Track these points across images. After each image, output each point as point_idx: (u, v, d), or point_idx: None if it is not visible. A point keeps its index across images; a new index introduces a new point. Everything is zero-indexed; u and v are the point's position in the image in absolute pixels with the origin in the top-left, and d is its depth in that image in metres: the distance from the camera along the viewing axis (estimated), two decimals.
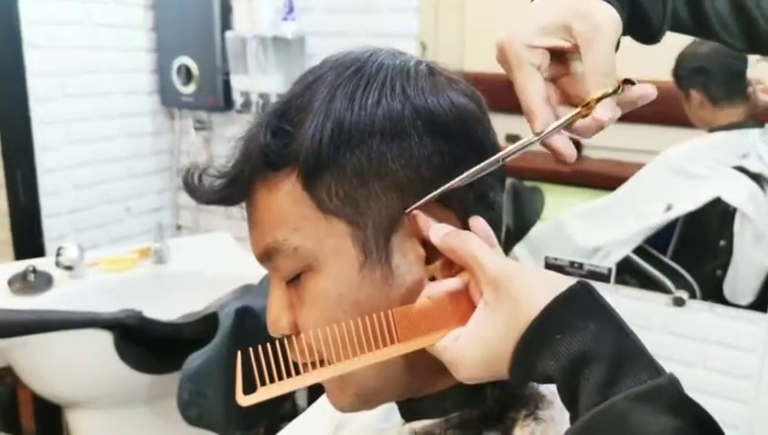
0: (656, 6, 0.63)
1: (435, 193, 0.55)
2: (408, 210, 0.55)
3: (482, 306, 0.51)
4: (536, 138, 0.53)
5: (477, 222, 0.57)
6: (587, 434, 0.44)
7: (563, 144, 0.54)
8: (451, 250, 0.54)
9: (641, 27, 0.63)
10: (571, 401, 0.47)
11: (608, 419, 0.43)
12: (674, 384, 0.44)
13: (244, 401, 0.51)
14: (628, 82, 0.52)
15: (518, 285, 0.50)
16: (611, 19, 0.52)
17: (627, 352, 0.46)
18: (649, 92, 0.54)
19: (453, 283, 0.54)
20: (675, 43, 1.92)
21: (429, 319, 0.54)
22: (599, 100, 0.51)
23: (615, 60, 0.52)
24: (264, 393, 0.52)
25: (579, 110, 0.52)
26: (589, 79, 0.52)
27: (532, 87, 0.54)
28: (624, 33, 0.57)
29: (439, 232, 0.54)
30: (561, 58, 0.55)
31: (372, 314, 0.54)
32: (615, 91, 0.51)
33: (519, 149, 0.54)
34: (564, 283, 0.49)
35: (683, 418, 0.42)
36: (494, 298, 0.50)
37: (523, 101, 0.54)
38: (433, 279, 0.56)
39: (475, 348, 0.51)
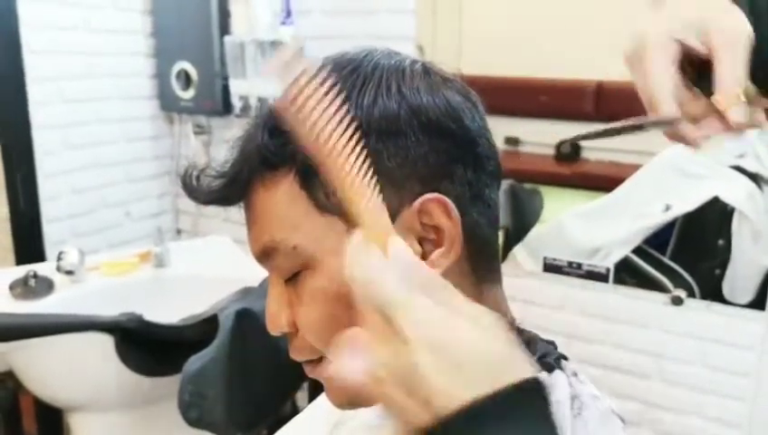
0: None
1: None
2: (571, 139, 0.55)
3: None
4: (678, 119, 0.54)
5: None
6: None
7: (692, 131, 0.55)
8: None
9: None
10: None
11: None
12: None
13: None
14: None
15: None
16: (745, 31, 0.53)
17: None
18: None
19: None
20: None
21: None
22: (731, 106, 0.53)
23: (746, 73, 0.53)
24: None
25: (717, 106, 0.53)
26: (720, 87, 0.53)
27: (666, 80, 0.54)
28: None
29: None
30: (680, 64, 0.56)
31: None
32: (748, 100, 0.52)
33: (657, 122, 0.54)
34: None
35: None
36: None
37: (652, 92, 0.55)
38: None
39: None
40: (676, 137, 0.55)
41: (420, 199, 0.55)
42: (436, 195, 0.55)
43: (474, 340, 0.39)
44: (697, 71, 0.56)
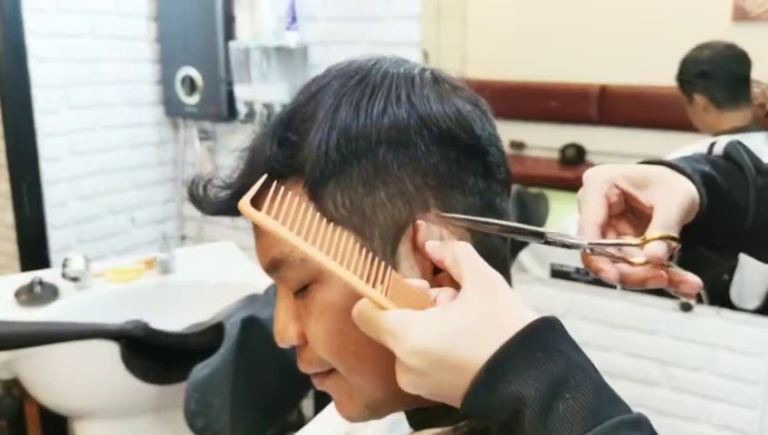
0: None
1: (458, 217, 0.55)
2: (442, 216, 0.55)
3: (458, 299, 0.49)
4: (585, 245, 0.56)
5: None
6: None
7: (605, 263, 0.56)
8: (443, 259, 0.53)
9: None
10: (539, 425, 0.44)
11: None
12: (647, 419, 0.45)
13: (243, 205, 0.49)
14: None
15: (506, 294, 0.49)
16: (689, 192, 0.57)
17: (603, 384, 0.46)
18: (694, 283, 0.56)
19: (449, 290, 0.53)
20: (679, 45, 1.93)
21: (412, 299, 0.51)
22: (654, 239, 0.55)
23: (679, 228, 0.56)
24: (261, 216, 0.49)
25: (636, 240, 0.56)
26: (651, 229, 0.55)
27: (593, 209, 0.57)
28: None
29: (433, 243, 0.54)
30: (627, 217, 0.60)
31: (376, 259, 0.52)
32: (672, 238, 0.55)
33: (563, 241, 0.56)
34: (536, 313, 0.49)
35: None
36: (476, 296, 0.49)
37: (580, 219, 0.58)
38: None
39: (435, 323, 0.48)
40: (590, 266, 0.57)
41: (412, 225, 0.55)
42: (419, 221, 0.55)
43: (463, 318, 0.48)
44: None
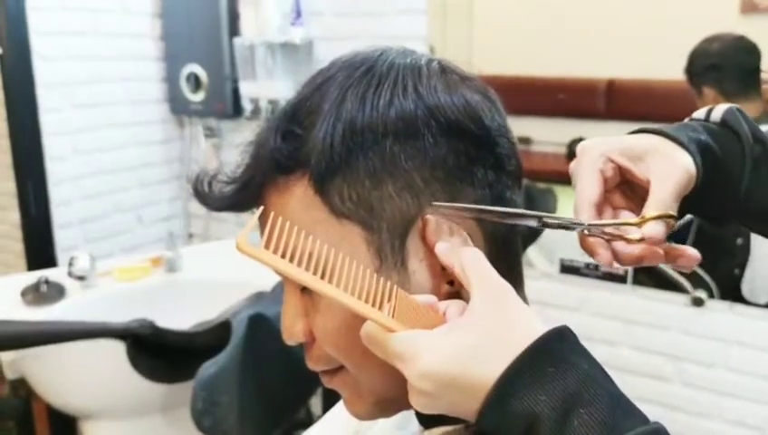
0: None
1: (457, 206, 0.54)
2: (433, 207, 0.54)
3: (466, 314, 0.48)
4: (583, 226, 0.55)
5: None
6: None
7: (601, 246, 0.55)
8: (452, 265, 0.52)
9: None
10: None
11: None
12: (665, 429, 0.44)
13: (241, 244, 0.48)
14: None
15: (515, 306, 0.49)
16: (686, 166, 0.55)
17: (618, 395, 0.45)
18: (692, 256, 0.56)
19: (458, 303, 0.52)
20: (687, 38, 1.91)
21: (419, 317, 0.51)
22: (652, 218, 0.53)
23: (677, 205, 0.55)
24: (261, 253, 0.48)
25: (634, 220, 0.55)
26: (649, 207, 0.54)
27: (588, 187, 0.56)
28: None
29: (443, 246, 0.53)
30: (623, 189, 0.59)
31: (381, 279, 0.51)
32: (669, 217, 0.53)
33: (560, 223, 0.56)
34: (547, 325, 0.48)
35: None
36: (484, 310, 0.48)
37: (576, 197, 0.57)
38: (451, 283, 0.55)
39: (443, 344, 0.47)
40: (586, 248, 0.56)
41: (421, 219, 0.54)
42: (428, 216, 0.54)
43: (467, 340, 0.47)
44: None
